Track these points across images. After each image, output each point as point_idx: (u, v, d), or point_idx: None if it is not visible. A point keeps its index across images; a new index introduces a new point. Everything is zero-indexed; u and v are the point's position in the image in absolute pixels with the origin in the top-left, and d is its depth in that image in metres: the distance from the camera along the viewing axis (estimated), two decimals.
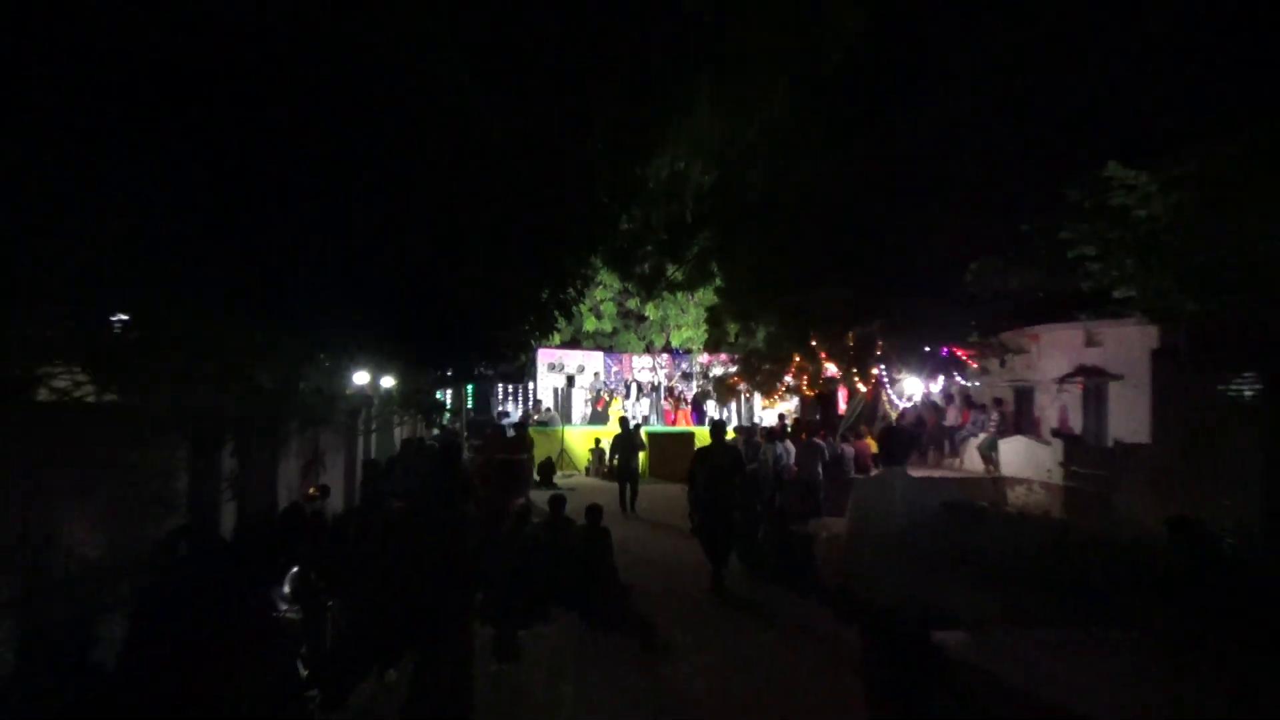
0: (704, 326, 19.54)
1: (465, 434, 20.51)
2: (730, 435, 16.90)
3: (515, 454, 12.20)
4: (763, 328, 14.90)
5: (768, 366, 15.48)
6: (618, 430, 14.61)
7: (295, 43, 3.52)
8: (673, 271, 15.74)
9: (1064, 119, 9.32)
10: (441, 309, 6.08)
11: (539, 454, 16.60)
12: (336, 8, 3.64)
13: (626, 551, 8.87)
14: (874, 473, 6.96)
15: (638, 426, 15.57)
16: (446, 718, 4.39)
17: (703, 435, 16.33)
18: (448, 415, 18.85)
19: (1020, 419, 15.71)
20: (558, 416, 20.91)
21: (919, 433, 16.73)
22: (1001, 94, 10.26)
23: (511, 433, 13.04)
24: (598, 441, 19.00)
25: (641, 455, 14.53)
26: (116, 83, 3.00)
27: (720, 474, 8.10)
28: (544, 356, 23.20)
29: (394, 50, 4.13)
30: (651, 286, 15.98)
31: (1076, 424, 14.02)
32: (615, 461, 14.41)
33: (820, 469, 12.30)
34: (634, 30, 7.48)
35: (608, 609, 7.66)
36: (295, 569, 5.04)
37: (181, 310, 3.90)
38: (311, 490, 8.26)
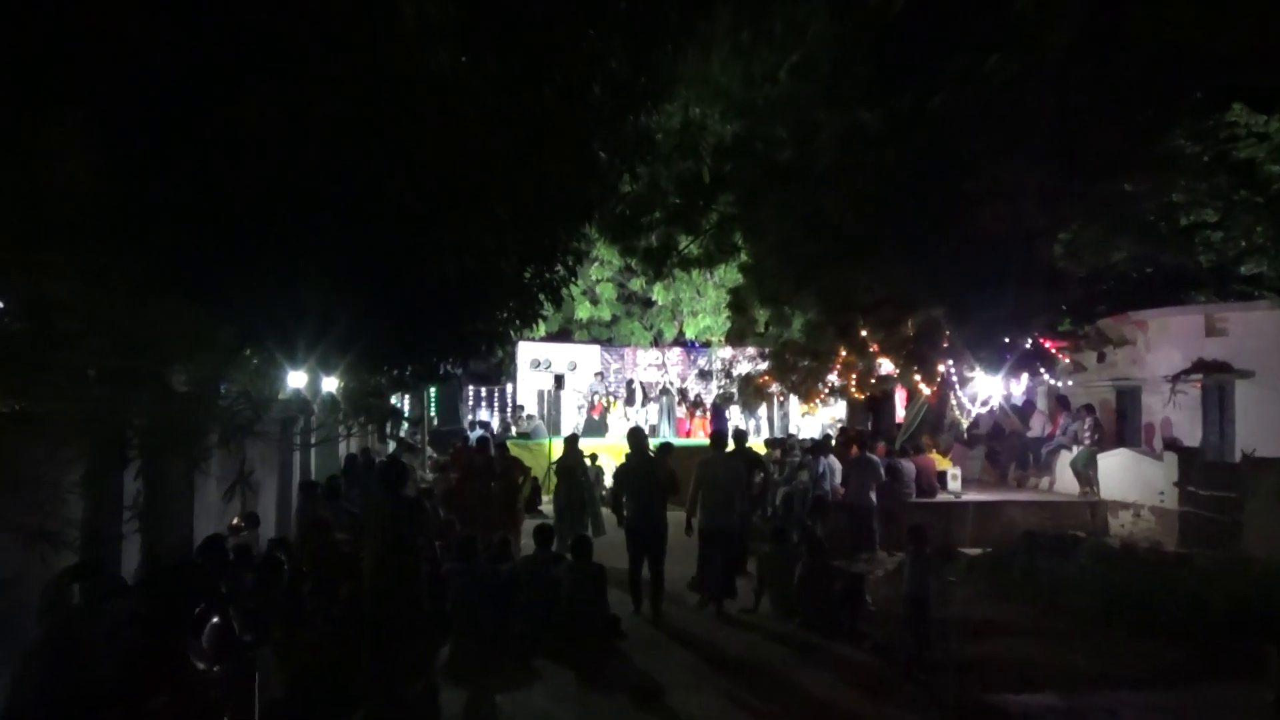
0: (725, 313, 19.50)
1: (428, 449, 20.60)
2: (763, 450, 16.89)
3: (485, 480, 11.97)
4: (799, 314, 14.88)
5: (806, 363, 15.44)
6: (624, 449, 11.84)
7: None
8: (686, 244, 15.73)
9: (1172, 52, 9.27)
10: (398, 291, 6.08)
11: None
12: None
13: None
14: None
15: (665, 447, 11.97)
16: None
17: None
18: (405, 425, 18.90)
19: (1123, 427, 15.67)
20: (544, 426, 20.92)
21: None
22: (1092, 20, 10.18)
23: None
24: (594, 458, 19.01)
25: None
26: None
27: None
28: (526, 351, 23.25)
29: None
30: (660, 263, 15.95)
31: (1194, 432, 13.99)
32: (623, 507, 10.12)
33: (873, 491, 12.30)
34: None
35: (604, 663, 7.69)
36: (215, 618, 5.06)
37: (78, 293, 3.91)
38: (236, 520, 8.29)
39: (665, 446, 12.05)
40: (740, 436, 11.87)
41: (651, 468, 9.93)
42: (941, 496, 14.42)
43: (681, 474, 10.12)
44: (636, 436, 10.39)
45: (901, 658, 7.77)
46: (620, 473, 10.52)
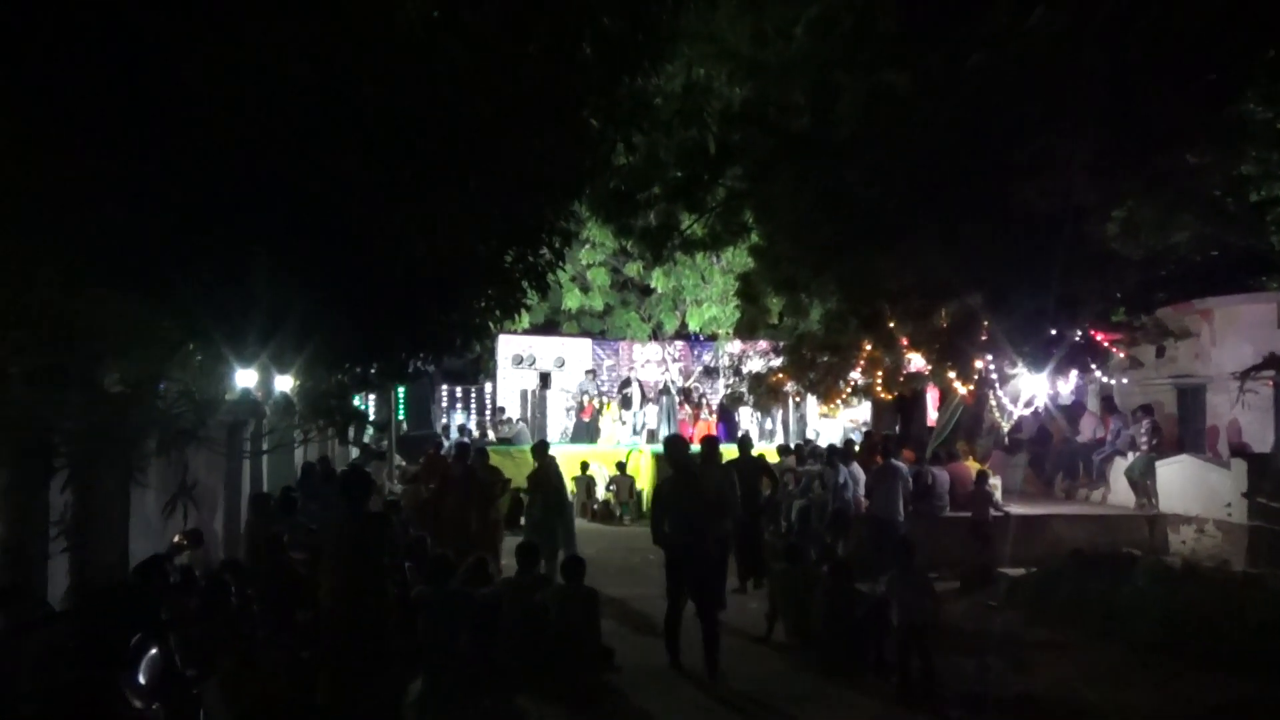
0: (734, 302, 19.55)
1: (396, 457, 20.61)
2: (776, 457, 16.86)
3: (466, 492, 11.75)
4: (817, 303, 14.89)
5: (825, 358, 15.47)
6: (617, 457, 12.79)
7: None
8: (689, 224, 15.73)
9: (1242, 3, 9.27)
10: (361, 278, 6.08)
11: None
12: None
13: None
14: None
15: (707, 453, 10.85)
16: None
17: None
18: (370, 430, 18.91)
19: (1185, 431, 15.67)
20: (528, 431, 20.96)
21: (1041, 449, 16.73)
22: None
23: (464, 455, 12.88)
24: (585, 467, 19.03)
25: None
26: None
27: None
28: (508, 346, 23.26)
29: None
30: (660, 245, 15.93)
31: (1265, 437, 14.00)
32: (666, 533, 8.76)
33: (901, 503, 12.32)
34: None
35: (596, 699, 7.70)
36: (155, 648, 5.06)
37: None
38: (178, 537, 8.28)
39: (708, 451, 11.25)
40: (744, 443, 11.92)
41: (699, 482, 9.13)
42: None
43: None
44: (677, 448, 9.58)
45: (935, 693, 7.78)
46: (659, 493, 9.67)
